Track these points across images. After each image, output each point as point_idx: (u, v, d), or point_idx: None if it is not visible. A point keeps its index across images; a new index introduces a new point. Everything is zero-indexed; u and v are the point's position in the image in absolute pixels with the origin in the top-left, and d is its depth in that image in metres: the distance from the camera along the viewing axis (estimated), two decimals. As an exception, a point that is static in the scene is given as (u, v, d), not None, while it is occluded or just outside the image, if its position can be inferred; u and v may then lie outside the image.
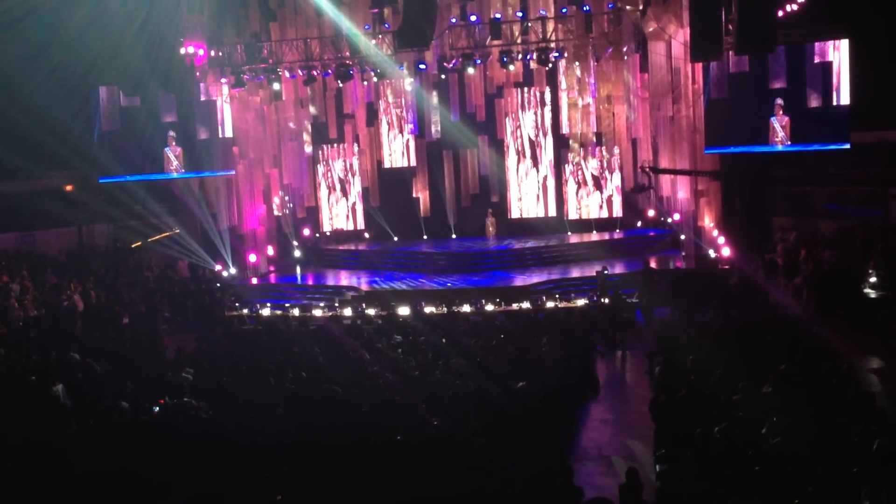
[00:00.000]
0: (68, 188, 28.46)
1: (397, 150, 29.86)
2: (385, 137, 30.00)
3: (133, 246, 28.12)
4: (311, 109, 28.93)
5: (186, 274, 26.47)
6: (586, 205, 28.64)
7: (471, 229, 29.37)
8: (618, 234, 28.32)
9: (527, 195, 29.21)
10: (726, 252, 22.32)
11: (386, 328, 18.51)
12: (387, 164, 29.92)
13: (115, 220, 28.69)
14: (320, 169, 30.75)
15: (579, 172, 28.47)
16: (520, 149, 29.02)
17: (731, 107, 21.48)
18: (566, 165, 28.49)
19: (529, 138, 28.96)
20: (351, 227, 30.87)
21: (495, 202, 29.18)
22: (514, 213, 29.39)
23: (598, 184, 28.48)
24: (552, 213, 29.04)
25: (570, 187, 28.59)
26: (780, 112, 21.54)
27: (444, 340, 16.46)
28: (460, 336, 16.88)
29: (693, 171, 22.67)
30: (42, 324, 21.13)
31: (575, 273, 25.02)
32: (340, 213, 30.91)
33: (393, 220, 30.15)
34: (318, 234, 30.80)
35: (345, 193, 30.77)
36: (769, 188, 24.62)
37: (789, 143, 21.49)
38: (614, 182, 28.22)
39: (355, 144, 29.72)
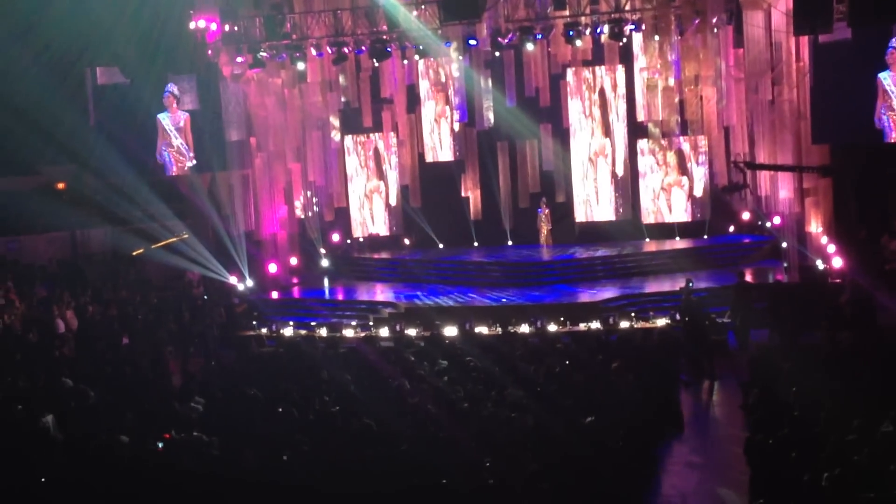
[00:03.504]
0: (60, 186, 28.92)
1: (443, 142, 29.75)
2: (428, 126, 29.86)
3: (134, 254, 28.46)
4: (343, 83, 28.81)
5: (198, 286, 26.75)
6: (668, 206, 28.30)
7: (530, 235, 29.30)
8: (705, 241, 28.15)
9: (597, 195, 28.84)
10: (837, 263, 22.07)
11: (429, 351, 18.56)
12: (429, 158, 29.85)
13: (114, 223, 29.06)
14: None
15: (659, 168, 28.16)
16: (589, 140, 28.70)
17: (831, 89, 20.42)
18: (643, 159, 28.19)
19: (600, 127, 28.65)
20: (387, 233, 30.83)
21: (561, 202, 28.96)
22: (581, 217, 29.03)
23: (683, 181, 28.13)
24: (626, 216, 28.78)
25: (649, 185, 28.27)
26: None
27: (497, 367, 16.46)
28: (517, 361, 16.90)
29: (797, 167, 22.45)
30: (29, 344, 21.46)
31: (653, 287, 24.96)
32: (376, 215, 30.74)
33: (437, 223, 30.23)
34: (349, 241, 30.90)
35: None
36: (889, 187, 24.25)
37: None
38: (702, 179, 27.89)
39: (393, 134, 29.71)
